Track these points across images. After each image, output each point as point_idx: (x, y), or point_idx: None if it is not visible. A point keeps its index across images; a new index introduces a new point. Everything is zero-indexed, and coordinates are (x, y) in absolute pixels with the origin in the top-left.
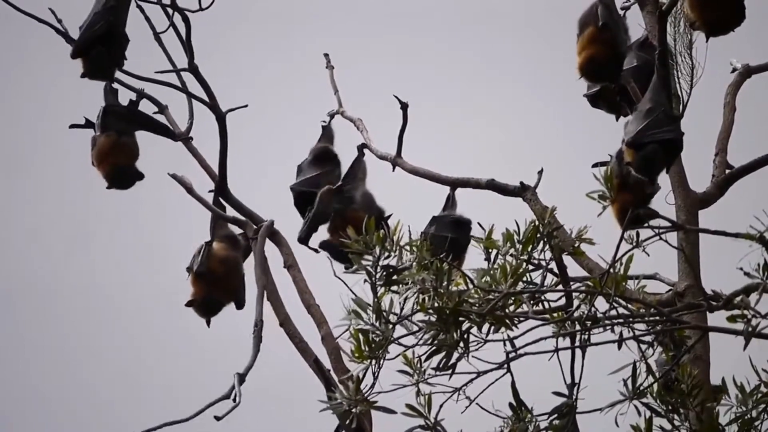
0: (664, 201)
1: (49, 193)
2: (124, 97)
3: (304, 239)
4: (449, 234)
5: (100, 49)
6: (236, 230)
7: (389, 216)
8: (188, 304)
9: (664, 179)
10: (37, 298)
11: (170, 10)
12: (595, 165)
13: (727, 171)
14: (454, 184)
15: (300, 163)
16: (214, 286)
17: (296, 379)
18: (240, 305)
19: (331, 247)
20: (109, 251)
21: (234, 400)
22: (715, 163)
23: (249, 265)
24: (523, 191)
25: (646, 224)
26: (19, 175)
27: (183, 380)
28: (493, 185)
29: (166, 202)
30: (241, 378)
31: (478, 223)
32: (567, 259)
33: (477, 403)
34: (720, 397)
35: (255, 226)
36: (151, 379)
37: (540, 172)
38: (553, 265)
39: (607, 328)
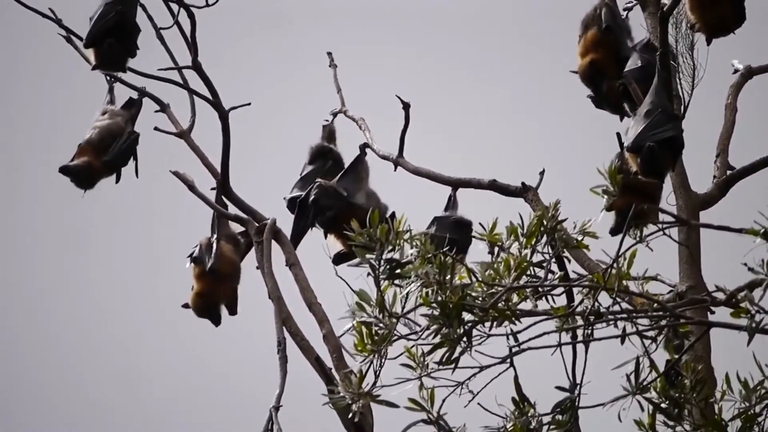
0: (665, 202)
1: (49, 191)
2: (125, 94)
3: (294, 240)
4: (450, 235)
5: (111, 41)
6: (237, 228)
7: (392, 214)
8: (185, 306)
9: (665, 180)
10: (37, 298)
11: (175, 7)
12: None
13: (729, 172)
14: (456, 184)
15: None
16: (219, 286)
17: (297, 377)
18: (233, 312)
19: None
20: (109, 248)
21: None
22: (717, 164)
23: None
24: (525, 192)
25: (650, 220)
26: (18, 174)
27: (184, 381)
28: (494, 186)
29: (168, 199)
30: (277, 409)
31: (480, 224)
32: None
33: (478, 401)
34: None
35: (257, 224)
36: (152, 379)
37: (542, 173)
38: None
39: (610, 323)
